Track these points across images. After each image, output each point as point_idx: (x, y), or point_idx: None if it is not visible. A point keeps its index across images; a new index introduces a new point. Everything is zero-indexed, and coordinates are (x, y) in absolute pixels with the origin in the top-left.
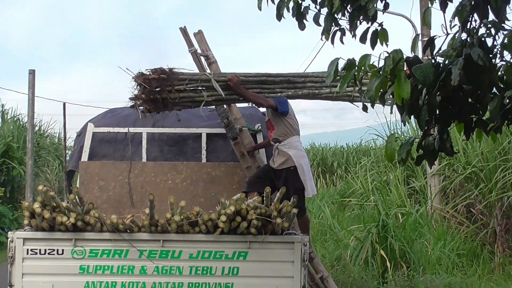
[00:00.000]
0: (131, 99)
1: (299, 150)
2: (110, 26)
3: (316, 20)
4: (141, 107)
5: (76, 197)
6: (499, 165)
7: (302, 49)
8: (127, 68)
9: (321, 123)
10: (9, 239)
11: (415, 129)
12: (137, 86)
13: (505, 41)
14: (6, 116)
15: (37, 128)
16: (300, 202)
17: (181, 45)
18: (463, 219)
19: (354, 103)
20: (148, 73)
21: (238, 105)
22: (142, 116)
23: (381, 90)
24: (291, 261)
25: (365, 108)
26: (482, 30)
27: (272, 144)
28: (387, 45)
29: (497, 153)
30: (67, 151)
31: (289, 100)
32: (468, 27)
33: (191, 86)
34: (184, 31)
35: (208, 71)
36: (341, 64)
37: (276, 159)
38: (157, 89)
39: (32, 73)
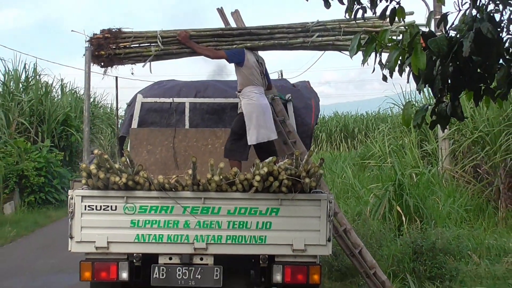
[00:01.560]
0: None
1: (250, 99)
2: (156, 8)
3: None
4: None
5: (127, 159)
6: (503, 130)
7: None
8: (72, 30)
9: (343, 93)
10: (69, 197)
11: (428, 97)
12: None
13: (511, 16)
14: (64, 89)
15: (92, 99)
16: (236, 144)
17: (219, 24)
18: (470, 178)
19: (342, 51)
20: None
21: (271, 77)
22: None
23: (399, 61)
24: (318, 216)
25: (384, 78)
26: (491, 6)
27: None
28: (404, 21)
29: (501, 119)
30: (118, 120)
31: (262, 53)
32: (478, 3)
33: (138, 43)
34: (221, 11)
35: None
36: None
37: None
38: (100, 46)
39: (88, 49)
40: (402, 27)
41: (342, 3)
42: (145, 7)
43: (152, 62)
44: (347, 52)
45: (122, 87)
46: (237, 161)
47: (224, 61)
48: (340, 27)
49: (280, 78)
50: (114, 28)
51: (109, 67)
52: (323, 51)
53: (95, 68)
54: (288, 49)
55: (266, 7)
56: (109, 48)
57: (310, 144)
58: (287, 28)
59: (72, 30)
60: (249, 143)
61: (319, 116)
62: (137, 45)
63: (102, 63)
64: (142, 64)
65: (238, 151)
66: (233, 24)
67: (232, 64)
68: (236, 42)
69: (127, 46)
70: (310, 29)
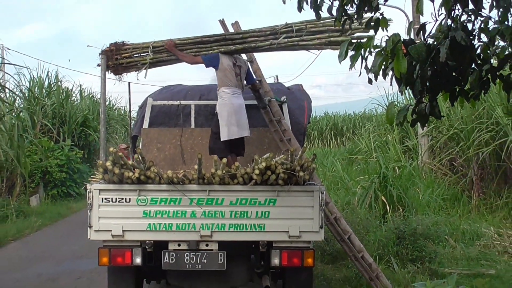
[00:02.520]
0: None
1: (223, 99)
2: (164, 19)
3: (329, 10)
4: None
5: (139, 156)
6: (476, 127)
7: None
8: (88, 46)
9: (332, 95)
10: (87, 190)
11: (409, 98)
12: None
13: (482, 25)
14: (83, 94)
15: (107, 102)
16: (216, 143)
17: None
18: (447, 170)
19: (310, 51)
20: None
21: (268, 81)
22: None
23: (383, 66)
24: (311, 206)
25: (370, 81)
26: (464, 17)
27: None
28: (387, 30)
29: (474, 118)
30: (131, 121)
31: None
32: (452, 14)
33: (137, 53)
34: (222, 22)
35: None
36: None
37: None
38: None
39: (103, 58)
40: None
41: (332, 15)
42: (157, 17)
43: (155, 69)
44: (317, 52)
45: (134, 91)
46: (220, 157)
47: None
48: (306, 27)
49: (276, 82)
50: (119, 41)
51: (122, 74)
52: (316, 56)
53: (110, 75)
54: (258, 51)
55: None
56: (114, 59)
57: (304, 141)
58: (258, 32)
59: (88, 45)
60: (221, 139)
61: (311, 116)
62: (137, 54)
63: (112, 72)
64: (140, 71)
65: (218, 149)
66: None
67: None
68: (213, 47)
69: (128, 56)
70: (278, 31)
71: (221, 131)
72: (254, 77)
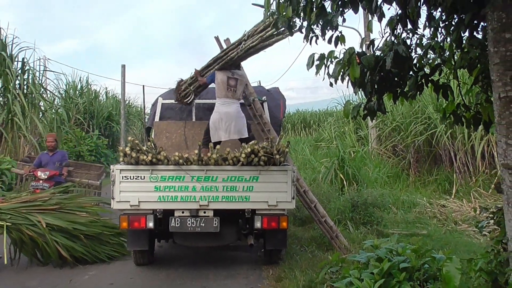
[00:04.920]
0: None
1: (214, 111)
2: (170, 34)
3: (300, 29)
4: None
5: (152, 143)
6: (413, 120)
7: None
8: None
9: (303, 96)
10: (111, 170)
11: (361, 98)
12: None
13: (418, 41)
14: (108, 94)
15: (127, 101)
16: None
17: (216, 48)
18: (391, 154)
19: (264, 50)
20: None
21: (252, 84)
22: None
23: (341, 72)
24: (285, 182)
25: (331, 84)
26: (404, 34)
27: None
28: (344, 44)
29: (411, 113)
30: (145, 115)
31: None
32: (395, 32)
33: (184, 86)
34: (217, 38)
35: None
36: (316, 56)
37: None
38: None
39: (123, 66)
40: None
41: (301, 32)
42: (164, 34)
43: (164, 74)
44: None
45: (147, 92)
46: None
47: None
48: (255, 30)
49: (258, 85)
50: (178, 80)
51: (183, 102)
52: (290, 66)
53: (128, 79)
54: (237, 61)
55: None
56: (178, 94)
57: (280, 132)
58: (233, 44)
59: (122, 65)
60: (212, 141)
61: (286, 112)
62: (185, 87)
63: (179, 102)
64: (191, 98)
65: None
66: (225, 47)
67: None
68: (214, 66)
69: (183, 89)
70: (242, 40)
71: (211, 134)
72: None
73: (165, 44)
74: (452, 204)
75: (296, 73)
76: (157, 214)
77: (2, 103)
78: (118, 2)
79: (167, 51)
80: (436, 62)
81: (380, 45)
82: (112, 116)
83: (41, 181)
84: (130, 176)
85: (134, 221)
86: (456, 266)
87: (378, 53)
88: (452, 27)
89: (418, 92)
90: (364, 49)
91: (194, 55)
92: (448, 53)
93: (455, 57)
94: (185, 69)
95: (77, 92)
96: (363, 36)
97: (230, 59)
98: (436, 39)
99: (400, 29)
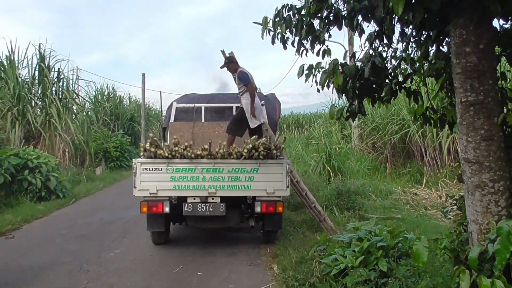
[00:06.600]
0: None
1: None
2: (182, 48)
3: (292, 44)
4: None
5: (168, 142)
6: (389, 121)
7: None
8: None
9: (296, 101)
10: (133, 163)
11: (345, 102)
12: None
13: (392, 53)
14: (131, 99)
15: (146, 105)
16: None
17: (221, 59)
18: (371, 150)
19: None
20: None
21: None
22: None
23: (327, 80)
24: (281, 173)
25: (318, 91)
26: (380, 48)
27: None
28: (330, 56)
29: (388, 115)
30: (162, 117)
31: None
32: (373, 46)
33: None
34: (223, 52)
35: None
36: (305, 66)
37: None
38: None
39: (143, 75)
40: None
41: (294, 46)
42: (177, 47)
43: (177, 82)
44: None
45: (164, 97)
46: (232, 136)
47: (226, 80)
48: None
49: (258, 91)
50: None
51: None
52: (285, 74)
53: (147, 86)
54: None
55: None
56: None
57: (276, 131)
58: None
59: (142, 74)
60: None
61: (281, 114)
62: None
63: None
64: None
65: (231, 129)
66: None
67: (229, 83)
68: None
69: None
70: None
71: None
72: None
73: (179, 56)
74: (423, 192)
75: (290, 81)
76: (173, 201)
77: (40, 106)
78: (139, 20)
79: (180, 62)
80: (408, 71)
81: (361, 56)
82: (134, 118)
83: None
84: (149, 168)
85: (153, 206)
86: (424, 245)
87: (358, 63)
88: (421, 42)
89: (393, 97)
90: (347, 61)
91: (203, 65)
92: (418, 64)
93: (424, 67)
94: (195, 76)
95: (104, 97)
96: (346, 49)
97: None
98: (408, 52)
99: (377, 43)
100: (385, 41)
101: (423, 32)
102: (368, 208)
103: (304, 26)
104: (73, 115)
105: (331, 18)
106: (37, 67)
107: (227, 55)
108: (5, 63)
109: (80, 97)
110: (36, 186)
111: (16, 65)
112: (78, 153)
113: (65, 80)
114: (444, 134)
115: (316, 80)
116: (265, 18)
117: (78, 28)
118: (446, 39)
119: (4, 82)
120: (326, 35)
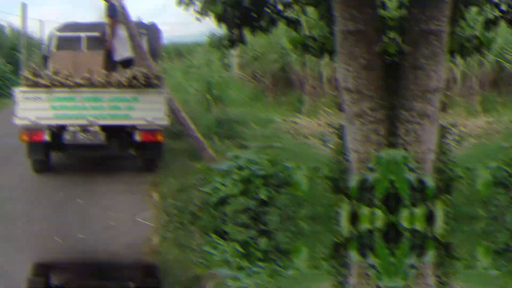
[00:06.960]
0: None
1: None
2: None
3: None
4: None
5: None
6: (269, 51)
7: None
8: None
9: (176, 30)
10: (14, 92)
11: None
12: None
13: None
14: (12, 28)
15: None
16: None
17: None
18: (251, 79)
19: None
20: None
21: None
22: None
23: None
24: (160, 102)
25: (198, 20)
26: None
27: None
28: None
29: (268, 43)
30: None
31: None
32: None
33: None
34: None
35: None
36: None
37: None
38: None
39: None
40: None
41: None
42: None
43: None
44: None
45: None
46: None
47: None
48: None
49: (139, 20)
50: None
51: None
52: None
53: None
54: None
55: None
56: None
57: (157, 60)
58: None
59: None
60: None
61: (162, 43)
62: None
63: None
64: None
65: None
66: None
67: None
68: None
69: None
70: None
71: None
72: None
73: None
74: (303, 121)
75: (171, 10)
76: (53, 129)
77: None
78: None
79: None
80: (287, 0)
81: None
82: (16, 47)
83: None
84: (29, 97)
85: (33, 135)
86: (304, 174)
87: None
88: None
89: (273, 26)
90: None
91: None
92: None
93: None
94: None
95: None
96: None
97: None
98: None
99: None
100: None
101: None
102: (250, 137)
103: None
104: None
105: None
106: None
107: None
108: None
109: None
110: None
111: None
112: None
113: None
114: (324, 63)
115: (196, 9)
116: None
117: None
118: None
119: None
120: None
